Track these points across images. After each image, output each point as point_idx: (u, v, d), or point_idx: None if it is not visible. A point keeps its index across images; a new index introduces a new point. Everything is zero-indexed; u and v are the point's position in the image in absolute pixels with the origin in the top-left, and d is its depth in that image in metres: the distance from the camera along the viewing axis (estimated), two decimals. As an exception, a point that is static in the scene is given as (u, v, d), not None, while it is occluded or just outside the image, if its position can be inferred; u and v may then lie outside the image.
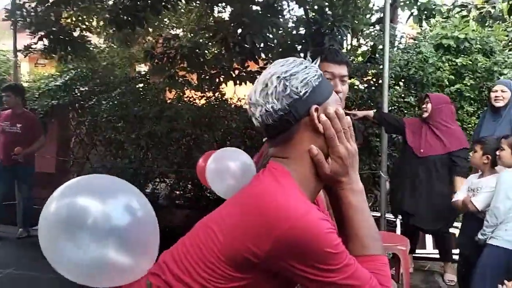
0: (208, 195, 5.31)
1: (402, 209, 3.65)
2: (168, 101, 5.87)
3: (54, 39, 5.19)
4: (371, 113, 3.82)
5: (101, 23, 5.89)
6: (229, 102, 5.77)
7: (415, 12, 4.68)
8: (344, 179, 0.97)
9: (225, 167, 1.44)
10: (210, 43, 5.52)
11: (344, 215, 0.97)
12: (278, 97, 0.93)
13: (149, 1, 4.51)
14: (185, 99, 5.85)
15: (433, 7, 4.65)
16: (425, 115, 3.56)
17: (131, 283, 1.01)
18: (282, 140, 0.97)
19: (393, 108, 4.76)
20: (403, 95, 4.92)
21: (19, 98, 4.70)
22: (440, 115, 3.52)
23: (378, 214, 4.00)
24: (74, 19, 5.80)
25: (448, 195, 3.28)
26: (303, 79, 0.94)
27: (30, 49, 5.33)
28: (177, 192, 5.75)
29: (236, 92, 5.83)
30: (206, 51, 5.53)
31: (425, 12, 4.66)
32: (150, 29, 6.32)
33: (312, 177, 0.97)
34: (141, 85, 5.93)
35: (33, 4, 5.02)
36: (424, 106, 3.59)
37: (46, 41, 5.20)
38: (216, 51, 5.60)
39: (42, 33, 5.08)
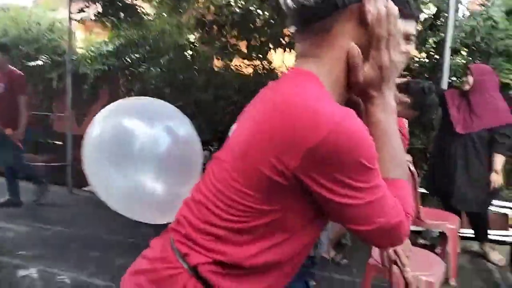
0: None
1: (441, 189, 3.37)
2: (216, 69, 5.79)
3: (107, 4, 5.23)
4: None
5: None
6: (276, 71, 5.59)
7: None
8: (375, 93, 0.79)
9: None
10: (260, 10, 5.32)
11: (370, 134, 0.80)
12: None
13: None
14: (232, 67, 5.73)
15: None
16: (466, 87, 3.20)
17: (158, 239, 0.91)
18: (318, 30, 0.78)
19: (454, 79, 4.35)
20: (466, 64, 4.48)
21: (5, 57, 4.40)
22: (483, 87, 3.15)
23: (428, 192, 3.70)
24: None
25: (486, 175, 3.07)
26: None
27: (83, 12, 5.37)
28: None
29: (284, 61, 5.63)
30: (257, 19, 5.36)
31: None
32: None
33: (343, 83, 0.79)
34: (189, 52, 5.88)
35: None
36: (464, 78, 3.24)
37: (99, 7, 5.26)
38: (267, 17, 5.40)
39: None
